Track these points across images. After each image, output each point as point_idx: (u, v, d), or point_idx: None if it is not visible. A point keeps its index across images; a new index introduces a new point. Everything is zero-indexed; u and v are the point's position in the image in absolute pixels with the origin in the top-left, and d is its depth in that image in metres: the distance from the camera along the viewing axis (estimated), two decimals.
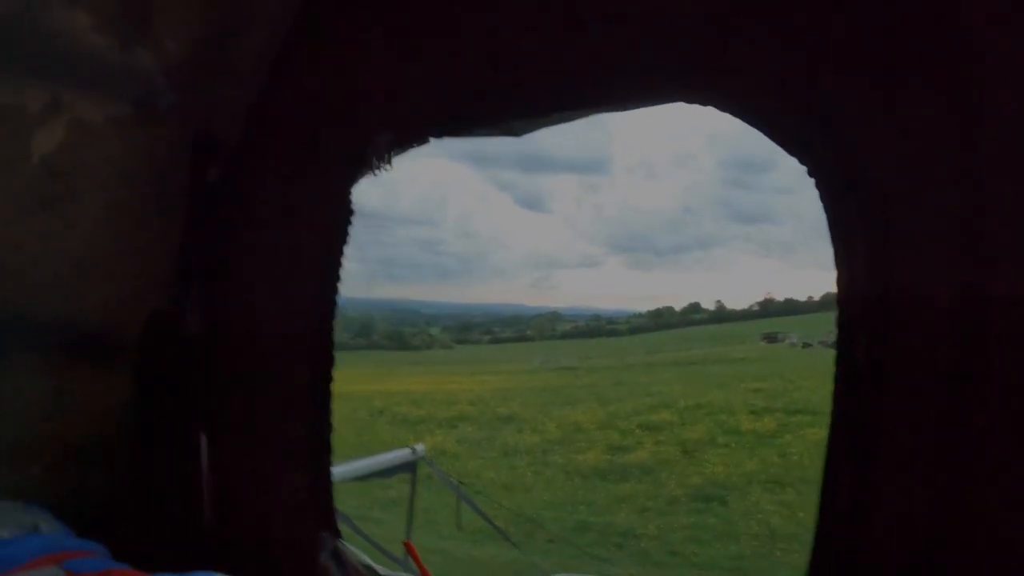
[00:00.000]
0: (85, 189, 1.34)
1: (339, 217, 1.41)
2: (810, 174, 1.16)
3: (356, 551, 1.55)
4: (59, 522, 1.39)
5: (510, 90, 1.36)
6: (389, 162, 1.37)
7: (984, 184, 1.03)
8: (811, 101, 1.13)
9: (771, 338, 30.26)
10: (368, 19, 1.45)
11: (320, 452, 1.49)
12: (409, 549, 1.66)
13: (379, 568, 1.54)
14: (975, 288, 1.07)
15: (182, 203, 1.46)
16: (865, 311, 1.15)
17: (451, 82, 1.38)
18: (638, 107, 1.37)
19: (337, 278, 1.45)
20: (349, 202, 1.40)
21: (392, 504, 7.51)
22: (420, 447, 4.29)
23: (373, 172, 1.37)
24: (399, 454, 4.20)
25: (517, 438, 13.50)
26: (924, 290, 1.09)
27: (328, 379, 1.48)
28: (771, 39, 1.16)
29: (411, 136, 1.37)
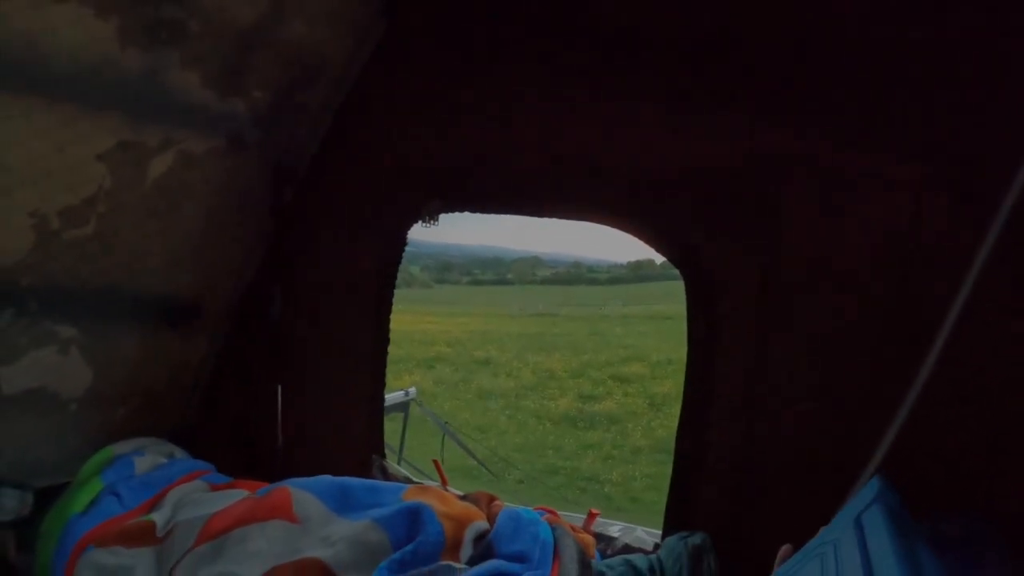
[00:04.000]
0: (185, 203, 1.71)
1: (393, 246, 1.85)
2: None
3: (398, 467, 2.06)
4: (184, 451, 1.83)
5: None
6: (437, 220, 1.78)
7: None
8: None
9: None
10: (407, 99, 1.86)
11: (376, 397, 2.02)
12: (436, 466, 2.11)
13: (415, 480, 2.03)
14: (771, 279, 1.63)
15: (260, 215, 1.86)
16: (705, 296, 1.73)
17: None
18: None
19: (392, 286, 1.90)
20: (403, 237, 1.84)
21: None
22: (412, 390, 4.73)
23: (424, 223, 1.79)
24: (394, 396, 4.65)
25: (493, 382, 13.63)
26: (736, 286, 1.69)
27: (385, 347, 2.02)
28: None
29: (456, 206, 1.78)
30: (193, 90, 1.55)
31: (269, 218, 1.90)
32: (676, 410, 1.87)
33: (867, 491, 0.89)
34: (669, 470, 1.83)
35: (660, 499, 1.94)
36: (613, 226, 1.84)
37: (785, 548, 1.04)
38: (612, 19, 1.70)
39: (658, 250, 1.83)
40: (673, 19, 1.65)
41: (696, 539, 1.60)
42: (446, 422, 5.59)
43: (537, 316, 20.87)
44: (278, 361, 2.03)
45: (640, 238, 1.81)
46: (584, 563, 1.45)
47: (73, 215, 1.55)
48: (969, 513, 1.36)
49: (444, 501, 1.49)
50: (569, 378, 13.41)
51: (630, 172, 1.75)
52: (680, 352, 1.87)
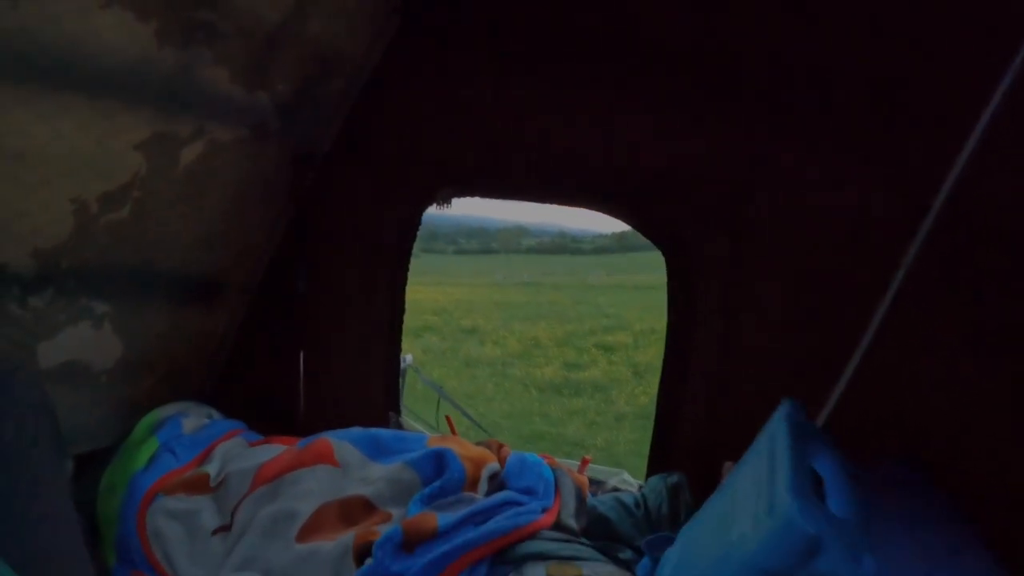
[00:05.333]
0: (213, 188, 1.84)
1: (409, 226, 2.01)
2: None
3: (414, 424, 2.26)
4: (219, 413, 2.00)
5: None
6: (450, 203, 1.94)
7: None
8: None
9: None
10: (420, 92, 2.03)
11: (392, 361, 2.29)
12: (448, 421, 2.37)
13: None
14: (740, 262, 1.90)
15: (281, 198, 2.00)
16: (683, 276, 1.99)
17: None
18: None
19: (407, 261, 2.07)
20: (418, 219, 1.99)
21: None
22: (409, 357, 4.98)
23: (438, 206, 1.94)
24: None
25: (479, 350, 13.58)
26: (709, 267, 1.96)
27: (401, 317, 2.25)
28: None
29: (466, 193, 1.93)
30: (222, 84, 1.67)
31: (290, 200, 2.05)
32: (658, 378, 2.09)
33: (780, 409, 1.07)
34: (651, 435, 2.10)
35: (642, 464, 2.15)
36: (604, 212, 2.08)
37: (727, 464, 1.22)
38: (605, 34, 1.88)
39: (643, 234, 2.05)
40: (659, 37, 1.85)
41: (674, 478, 1.85)
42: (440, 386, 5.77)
43: (522, 285, 20.69)
44: (301, 330, 2.24)
45: (627, 223, 2.06)
46: (580, 498, 1.71)
47: (110, 200, 1.66)
48: (901, 459, 1.59)
49: (463, 446, 1.73)
50: (554, 346, 13.38)
51: (619, 167, 1.96)
52: (662, 322, 2.08)
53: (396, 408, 2.27)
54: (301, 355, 2.24)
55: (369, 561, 1.42)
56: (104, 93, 1.50)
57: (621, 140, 1.94)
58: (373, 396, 2.24)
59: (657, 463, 2.06)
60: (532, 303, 17.71)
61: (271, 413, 2.19)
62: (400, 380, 2.38)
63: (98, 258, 1.75)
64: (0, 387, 1.36)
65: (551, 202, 2.13)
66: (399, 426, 2.21)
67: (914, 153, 1.62)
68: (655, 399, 2.07)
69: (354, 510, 1.58)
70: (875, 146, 1.72)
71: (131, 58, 1.47)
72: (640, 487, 1.95)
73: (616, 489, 2.03)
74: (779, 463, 0.92)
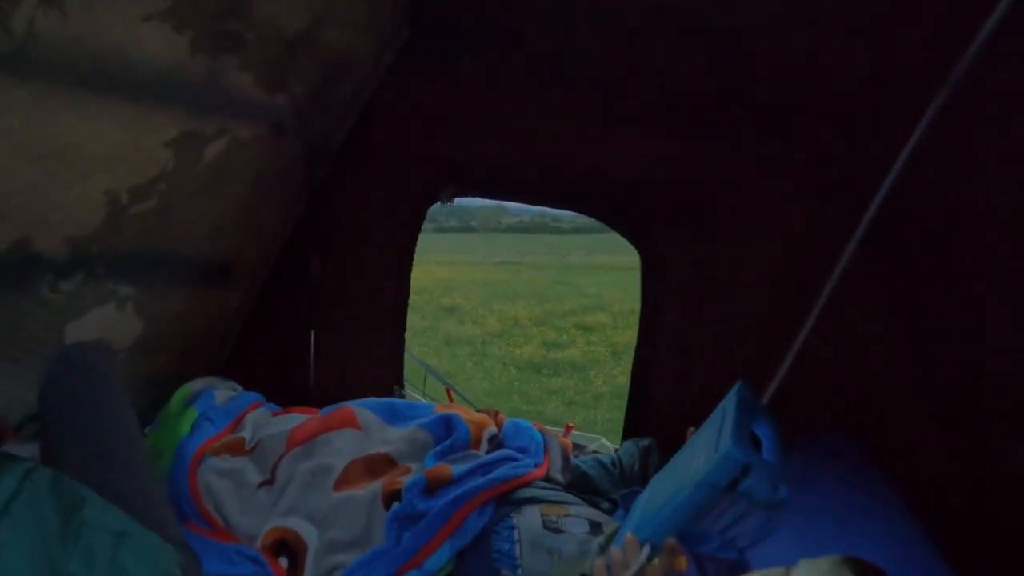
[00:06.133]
0: (232, 181, 1.98)
1: (414, 219, 2.19)
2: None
3: (416, 396, 2.51)
4: (240, 387, 2.18)
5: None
6: (453, 201, 2.11)
7: None
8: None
9: None
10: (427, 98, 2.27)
11: (397, 338, 2.53)
12: (448, 392, 2.59)
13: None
14: (705, 260, 2.21)
15: (295, 191, 2.16)
16: (656, 269, 2.29)
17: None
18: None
19: (413, 250, 2.35)
20: (423, 213, 2.18)
21: None
22: None
23: (441, 203, 2.12)
24: None
25: (459, 329, 13.54)
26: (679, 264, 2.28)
27: (406, 301, 2.45)
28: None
29: (469, 192, 2.10)
30: (246, 88, 1.81)
31: (302, 193, 2.23)
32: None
33: (733, 388, 1.32)
34: (625, 407, 2.41)
35: (618, 442, 2.38)
36: (585, 214, 2.36)
37: (691, 429, 1.43)
38: (591, 66, 2.12)
39: (620, 233, 2.32)
40: (638, 71, 2.08)
41: (645, 442, 2.14)
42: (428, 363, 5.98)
43: (501, 264, 20.68)
44: (313, 311, 2.45)
45: (608, 225, 2.32)
46: (565, 457, 1.99)
47: (140, 192, 1.80)
48: (832, 430, 1.91)
49: (467, 413, 2.01)
50: (533, 326, 13.39)
51: (603, 178, 2.24)
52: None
53: (400, 382, 2.51)
54: (312, 334, 2.44)
55: (396, 504, 1.70)
56: (140, 96, 1.63)
57: (604, 156, 2.22)
58: (379, 371, 2.47)
59: (631, 430, 2.38)
60: (512, 282, 17.64)
61: (283, 388, 2.36)
62: (403, 356, 2.59)
63: (125, 245, 1.89)
64: (93, 360, 1.53)
65: (540, 203, 2.42)
66: (402, 398, 2.43)
67: (852, 163, 1.85)
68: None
69: (378, 465, 1.86)
70: (818, 157, 1.97)
71: (167, 65, 1.61)
72: (616, 450, 2.23)
73: (596, 452, 2.33)
74: (726, 425, 1.16)
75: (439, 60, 2.21)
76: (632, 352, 2.40)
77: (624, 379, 2.57)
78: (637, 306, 2.40)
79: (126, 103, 1.62)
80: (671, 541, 1.18)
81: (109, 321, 2.01)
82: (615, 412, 10.12)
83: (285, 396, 2.27)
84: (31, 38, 1.37)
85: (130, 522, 1.08)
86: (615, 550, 1.22)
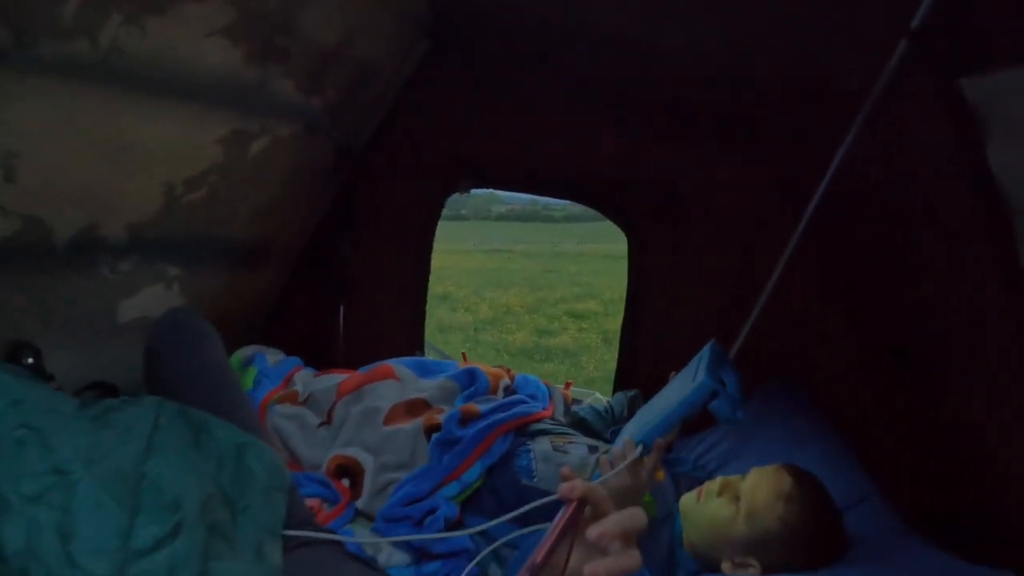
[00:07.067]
0: (271, 173, 2.21)
1: (433, 208, 2.50)
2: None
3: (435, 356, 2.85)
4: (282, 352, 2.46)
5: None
6: (469, 192, 2.39)
7: None
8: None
9: None
10: (445, 101, 2.55)
11: (418, 312, 2.89)
12: (463, 356, 2.85)
13: None
14: (679, 243, 2.64)
15: (325, 182, 2.42)
16: (639, 251, 2.73)
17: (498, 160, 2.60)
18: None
19: (432, 236, 2.67)
20: (442, 202, 2.47)
21: None
22: None
23: (459, 193, 2.40)
24: None
25: (452, 316, 13.37)
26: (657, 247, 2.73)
27: (426, 278, 2.84)
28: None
29: (482, 184, 2.38)
30: (287, 93, 2.05)
31: (332, 184, 2.50)
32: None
33: (706, 345, 1.60)
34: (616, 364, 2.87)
35: (611, 395, 2.69)
36: (583, 204, 2.80)
37: (672, 373, 1.73)
38: (589, 78, 2.47)
39: (611, 220, 2.76)
40: (626, 87, 2.45)
41: (632, 392, 2.53)
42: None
43: (493, 252, 20.57)
44: (342, 288, 2.78)
45: (603, 214, 2.74)
46: (566, 405, 2.42)
47: (192, 183, 2.02)
48: (784, 381, 2.35)
49: (485, 366, 2.37)
50: (525, 313, 13.39)
51: (597, 175, 2.65)
52: None
53: (421, 348, 2.90)
54: (341, 309, 2.77)
55: (436, 434, 2.07)
56: (199, 100, 1.87)
57: (594, 155, 2.61)
58: (401, 340, 2.78)
59: (620, 384, 2.80)
60: (503, 270, 17.65)
61: (313, 359, 2.62)
62: (424, 325, 2.93)
63: (176, 230, 2.11)
64: (196, 320, 1.79)
65: (545, 194, 2.82)
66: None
67: (799, 163, 2.19)
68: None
69: (416, 407, 2.19)
70: (771, 154, 2.38)
71: (223, 74, 1.85)
72: (608, 401, 2.62)
73: (591, 403, 2.72)
74: (701, 368, 1.46)
75: (456, 68, 2.52)
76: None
77: (615, 364, 2.92)
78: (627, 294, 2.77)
79: (185, 105, 1.85)
80: (659, 441, 1.52)
81: (157, 299, 2.21)
82: (606, 396, 10.12)
83: (315, 366, 2.53)
84: (114, 51, 1.61)
85: (246, 435, 1.35)
86: (615, 448, 1.54)
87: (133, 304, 2.16)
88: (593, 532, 0.77)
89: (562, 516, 0.82)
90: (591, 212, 2.78)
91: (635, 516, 0.79)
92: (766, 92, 2.12)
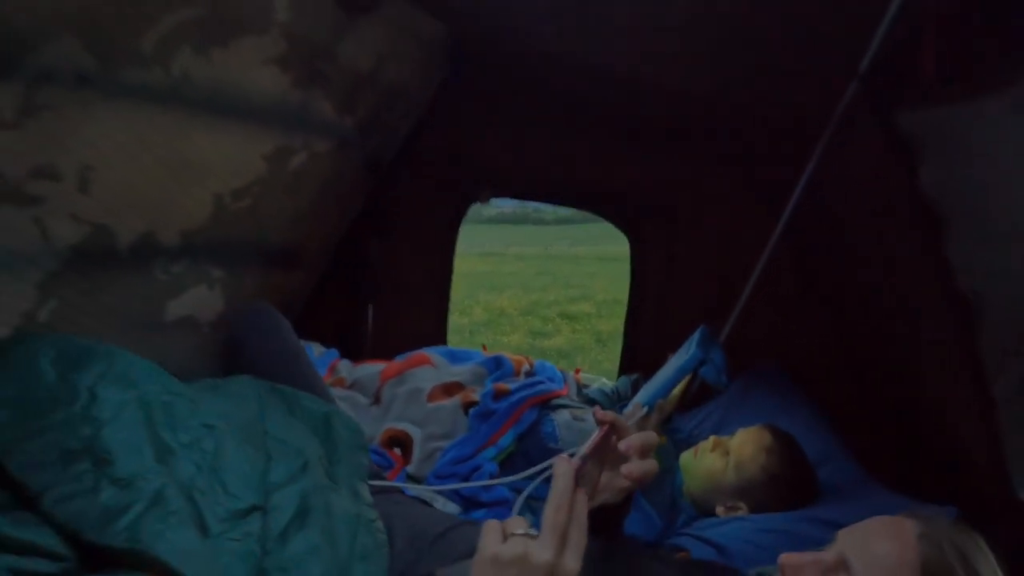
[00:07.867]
0: (307, 184, 2.42)
1: (456, 215, 2.77)
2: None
3: None
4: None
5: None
6: (488, 202, 2.65)
7: None
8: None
9: None
10: (466, 118, 2.85)
11: (442, 310, 3.25)
12: (484, 348, 3.11)
13: None
14: (672, 245, 3.07)
15: (356, 191, 2.66)
16: (640, 254, 3.18)
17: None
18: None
19: (455, 239, 3.00)
20: (464, 209, 2.74)
21: None
22: None
23: (480, 203, 2.66)
24: None
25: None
26: (655, 248, 3.17)
27: (449, 278, 3.20)
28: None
29: (500, 194, 2.64)
30: (326, 113, 2.29)
31: (361, 194, 2.74)
32: (620, 344, 3.01)
33: (698, 330, 1.97)
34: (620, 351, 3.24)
35: (616, 380, 2.97)
36: (590, 212, 3.14)
37: (668, 354, 2.05)
38: (592, 105, 2.80)
39: (616, 226, 3.11)
40: (626, 112, 2.78)
41: (635, 376, 2.87)
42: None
43: (486, 255, 20.24)
44: (371, 287, 3.06)
45: (608, 220, 3.08)
46: (577, 387, 2.76)
47: (238, 194, 2.21)
48: (768, 363, 2.75)
49: (509, 354, 2.72)
50: (519, 316, 13.06)
51: (598, 185, 3.01)
52: (624, 293, 3.04)
53: (444, 341, 3.22)
54: (370, 307, 3.06)
55: (472, 408, 2.40)
56: (252, 120, 2.08)
57: (596, 169, 2.97)
58: (426, 335, 3.06)
59: (624, 370, 3.18)
60: (496, 273, 17.36)
61: (343, 352, 2.86)
62: (447, 321, 3.22)
63: (221, 236, 2.30)
64: (270, 311, 2.04)
65: (556, 203, 3.24)
66: None
67: (776, 178, 2.48)
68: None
69: (453, 388, 2.52)
70: (749, 167, 2.76)
71: (273, 97, 2.08)
72: (614, 385, 2.95)
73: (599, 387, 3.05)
74: (693, 345, 1.77)
75: (473, 88, 2.79)
76: (617, 340, 3.23)
77: (609, 365, 3.24)
78: (621, 296, 3.13)
79: (240, 125, 2.07)
80: (660, 402, 1.88)
81: (200, 299, 2.39)
82: None
83: (347, 359, 2.80)
84: (184, 79, 1.83)
85: (329, 404, 1.60)
86: (626, 411, 1.89)
87: (179, 303, 2.34)
88: (622, 444, 1.09)
89: (599, 434, 1.13)
90: (582, 215, 3.10)
91: (649, 436, 1.11)
92: (751, 123, 2.47)
